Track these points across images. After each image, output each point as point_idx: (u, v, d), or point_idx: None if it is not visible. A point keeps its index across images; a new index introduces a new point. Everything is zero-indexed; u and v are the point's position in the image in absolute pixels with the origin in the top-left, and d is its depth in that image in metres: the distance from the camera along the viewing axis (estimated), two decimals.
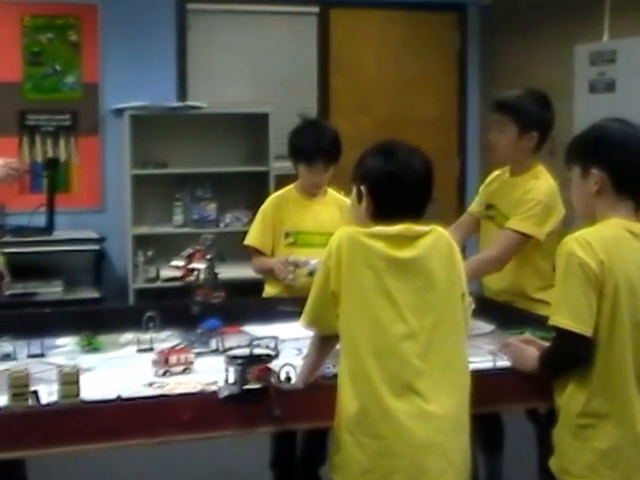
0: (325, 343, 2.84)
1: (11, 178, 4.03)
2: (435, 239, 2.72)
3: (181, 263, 3.67)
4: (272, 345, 2.77)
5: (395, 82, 7.72)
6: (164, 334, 3.54)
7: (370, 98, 7.59)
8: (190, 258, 3.68)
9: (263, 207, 4.41)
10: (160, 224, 7.03)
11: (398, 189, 2.73)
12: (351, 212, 2.89)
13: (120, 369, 3.17)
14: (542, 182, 3.91)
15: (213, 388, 2.85)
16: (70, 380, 2.57)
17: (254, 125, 7.09)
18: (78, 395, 2.58)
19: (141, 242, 6.86)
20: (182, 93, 7.17)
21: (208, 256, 3.69)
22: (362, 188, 2.75)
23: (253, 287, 4.47)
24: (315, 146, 4.23)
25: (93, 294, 6.68)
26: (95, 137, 7.05)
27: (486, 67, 7.88)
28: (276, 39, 7.42)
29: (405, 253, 2.67)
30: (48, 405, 2.58)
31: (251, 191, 7.12)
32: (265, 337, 2.93)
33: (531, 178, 3.93)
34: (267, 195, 6.74)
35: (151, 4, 7.04)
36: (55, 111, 6.95)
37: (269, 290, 4.33)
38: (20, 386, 2.54)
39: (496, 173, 4.20)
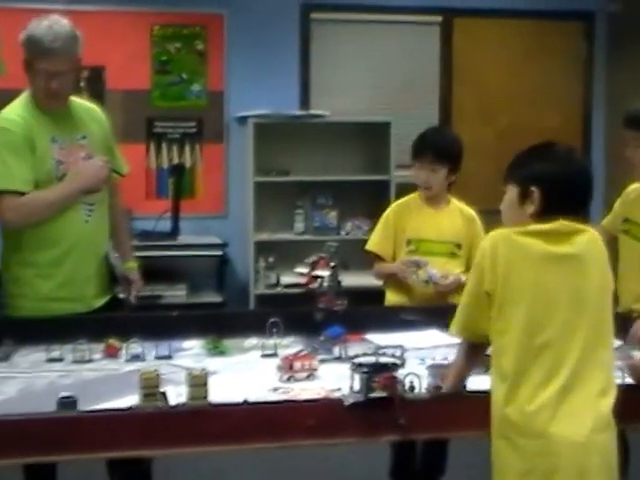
0: (474, 351, 2.81)
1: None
2: (590, 240, 2.68)
3: (305, 270, 3.67)
4: (398, 354, 2.76)
5: (518, 92, 7.57)
6: (287, 340, 3.52)
7: (492, 108, 7.47)
8: (314, 265, 3.67)
9: (386, 214, 4.37)
10: (281, 231, 7.04)
11: (573, 191, 2.73)
12: (508, 212, 2.79)
13: (245, 373, 3.15)
14: None
15: (337, 395, 2.80)
16: (199, 383, 2.58)
17: (375, 134, 7.04)
18: (206, 397, 2.60)
19: (262, 248, 6.88)
20: (304, 102, 7.17)
21: (332, 264, 3.68)
22: (533, 189, 2.68)
23: (373, 295, 4.44)
24: (423, 140, 4.26)
25: (216, 298, 6.74)
26: (219, 144, 7.11)
27: (613, 77, 7.66)
28: (398, 48, 7.35)
29: (563, 248, 2.62)
30: (177, 406, 2.61)
31: (372, 199, 7.06)
32: (391, 346, 2.92)
33: None
34: (388, 204, 6.74)
35: (276, 13, 7.06)
36: (181, 118, 7.03)
37: (391, 298, 4.28)
38: (151, 387, 2.58)
39: (634, 186, 4.12)
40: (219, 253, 6.80)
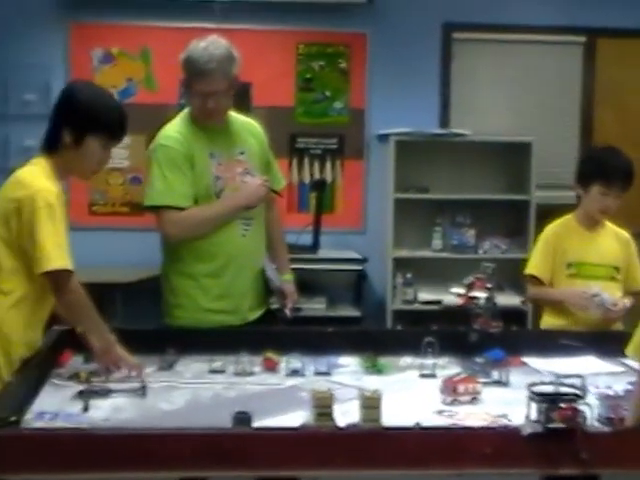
0: None
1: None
2: None
3: (462, 291, 3.60)
4: (578, 384, 2.63)
5: None
6: (442, 360, 3.45)
7: (636, 130, 7.21)
8: (471, 286, 3.60)
9: (545, 236, 4.25)
10: (419, 248, 6.94)
11: None
12: None
13: (404, 393, 3.09)
14: None
15: (504, 421, 2.74)
16: (373, 405, 2.51)
17: (516, 154, 6.90)
18: (379, 420, 2.52)
19: (400, 264, 6.80)
20: (444, 120, 7.08)
21: (488, 285, 3.60)
22: None
23: (516, 315, 4.33)
24: (612, 167, 4.08)
25: (353, 313, 6.68)
26: (360, 161, 7.07)
27: None
28: (540, 68, 7.18)
29: None
30: (350, 428, 2.53)
31: (510, 219, 6.97)
32: (571, 375, 2.79)
33: None
34: (527, 224, 6.68)
35: (418, 33, 6.99)
36: (323, 135, 7.03)
37: (549, 321, 4.18)
38: (324, 406, 2.51)
39: None
40: (358, 268, 6.75)
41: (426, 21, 7.01)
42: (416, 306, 6.78)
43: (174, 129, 3.87)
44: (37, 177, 3.15)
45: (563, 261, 4.13)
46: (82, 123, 3.21)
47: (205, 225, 3.79)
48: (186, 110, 3.94)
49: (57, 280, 3.10)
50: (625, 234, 4.22)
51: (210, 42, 3.77)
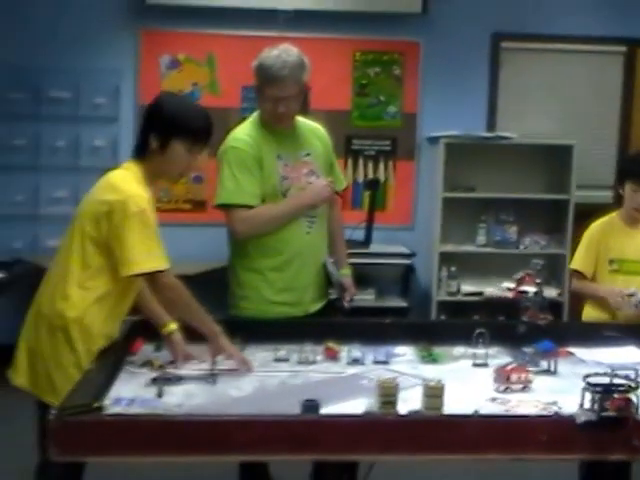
0: None
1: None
2: None
3: (512, 285, 3.56)
4: (632, 376, 2.58)
5: None
6: (492, 350, 3.39)
7: None
8: (520, 281, 3.56)
9: (589, 233, 4.19)
10: (464, 243, 6.89)
11: None
12: None
13: (458, 382, 3.01)
14: None
15: (554, 408, 2.70)
16: (435, 394, 2.49)
17: (558, 156, 6.82)
18: (441, 408, 2.49)
19: (446, 258, 6.75)
20: (491, 124, 7.00)
21: (537, 280, 3.56)
22: None
23: (554, 307, 4.27)
24: None
25: (401, 303, 6.67)
26: (411, 162, 7.02)
27: None
28: (582, 75, 7.11)
29: None
30: (413, 415, 2.51)
31: (551, 217, 6.91)
32: (626, 366, 2.74)
33: None
34: (567, 222, 6.61)
35: (468, 42, 6.93)
36: (377, 137, 6.99)
37: (591, 313, 4.11)
38: (389, 395, 2.49)
39: None
40: (407, 262, 6.74)
41: (476, 31, 6.95)
42: (459, 297, 6.76)
43: (244, 132, 3.84)
44: (129, 182, 3.12)
45: (606, 257, 4.07)
46: (166, 128, 3.18)
47: (272, 223, 3.76)
48: (255, 114, 3.91)
49: (151, 280, 3.10)
50: None
51: (282, 50, 3.74)
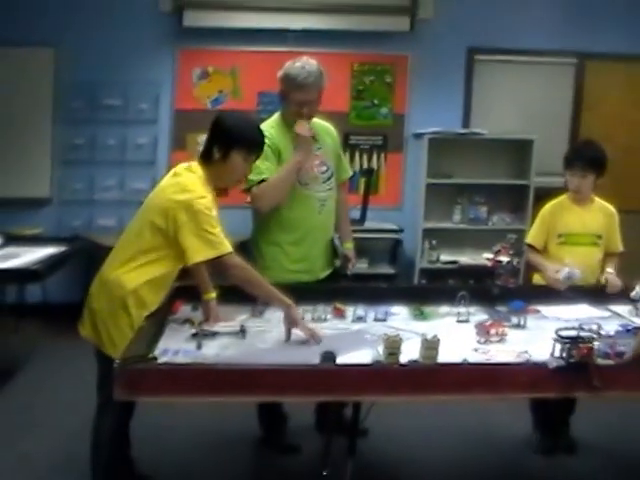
0: None
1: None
2: None
3: (491, 256, 3.55)
4: (595, 328, 2.55)
5: (634, 119, 7.13)
6: (472, 309, 3.37)
7: (613, 131, 6.98)
8: (498, 252, 3.54)
9: (542, 212, 4.11)
10: (443, 220, 6.83)
11: None
12: None
13: (445, 335, 3.00)
14: None
15: (526, 356, 2.68)
16: (432, 347, 2.45)
17: (521, 148, 6.76)
18: (436, 358, 2.45)
19: (428, 233, 6.71)
20: (466, 123, 6.94)
21: (511, 252, 3.53)
22: None
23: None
24: (576, 152, 4.00)
25: (389, 270, 6.63)
26: (400, 154, 6.95)
27: None
28: (541, 83, 7.02)
29: None
30: (414, 364, 2.47)
31: (514, 199, 6.83)
32: (582, 320, 2.71)
33: None
34: (528, 203, 6.56)
35: (448, 55, 6.85)
36: (371, 134, 6.91)
37: (538, 280, 4.03)
38: (394, 347, 2.45)
39: None
40: (395, 236, 6.70)
41: (454, 46, 6.87)
42: (438, 265, 6.73)
43: (266, 128, 3.76)
44: (196, 184, 3.06)
45: (555, 232, 4.00)
46: (227, 141, 3.11)
47: (279, 185, 3.62)
48: (276, 115, 3.84)
49: (218, 265, 3.01)
50: (610, 207, 4.07)
51: (304, 62, 3.69)
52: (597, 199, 4.07)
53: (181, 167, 3.19)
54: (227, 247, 3.01)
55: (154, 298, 3.10)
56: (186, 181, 3.08)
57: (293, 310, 3.03)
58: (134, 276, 3.04)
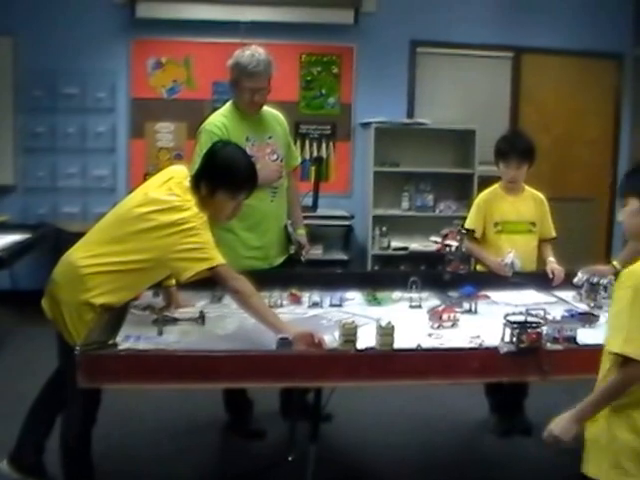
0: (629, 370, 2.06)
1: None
2: None
3: (439, 239, 3.47)
4: (542, 314, 2.52)
5: (568, 110, 7.19)
6: (424, 294, 3.31)
7: (549, 121, 7.08)
8: (446, 236, 3.47)
9: (477, 201, 4.03)
10: (392, 208, 6.79)
11: None
12: (632, 223, 2.26)
13: (399, 320, 2.93)
14: None
15: (478, 341, 2.64)
16: (387, 333, 2.39)
17: (464, 138, 6.75)
18: (392, 345, 2.39)
19: (378, 220, 6.67)
20: (411, 113, 6.90)
21: (459, 237, 3.48)
22: None
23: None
24: (508, 144, 3.92)
25: (342, 256, 6.57)
26: (348, 142, 6.90)
27: (637, 100, 7.29)
28: (481, 75, 7.03)
29: None
30: (369, 350, 2.41)
31: (460, 187, 6.83)
32: (529, 305, 2.67)
33: None
34: (472, 190, 6.55)
35: (392, 47, 6.82)
36: (320, 123, 6.85)
37: (479, 268, 4.00)
38: (350, 334, 2.39)
39: None
40: (347, 223, 6.64)
41: (398, 39, 6.83)
42: (389, 252, 6.68)
43: (217, 118, 3.69)
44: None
45: (491, 221, 3.92)
46: (215, 179, 2.89)
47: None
48: (228, 104, 3.76)
49: (212, 275, 2.79)
50: (540, 195, 4.02)
51: (254, 50, 3.62)
52: (527, 187, 4.01)
53: (174, 182, 2.95)
54: (218, 260, 2.81)
55: (123, 299, 2.92)
56: (178, 202, 2.84)
57: (295, 332, 2.59)
58: (106, 279, 2.83)
